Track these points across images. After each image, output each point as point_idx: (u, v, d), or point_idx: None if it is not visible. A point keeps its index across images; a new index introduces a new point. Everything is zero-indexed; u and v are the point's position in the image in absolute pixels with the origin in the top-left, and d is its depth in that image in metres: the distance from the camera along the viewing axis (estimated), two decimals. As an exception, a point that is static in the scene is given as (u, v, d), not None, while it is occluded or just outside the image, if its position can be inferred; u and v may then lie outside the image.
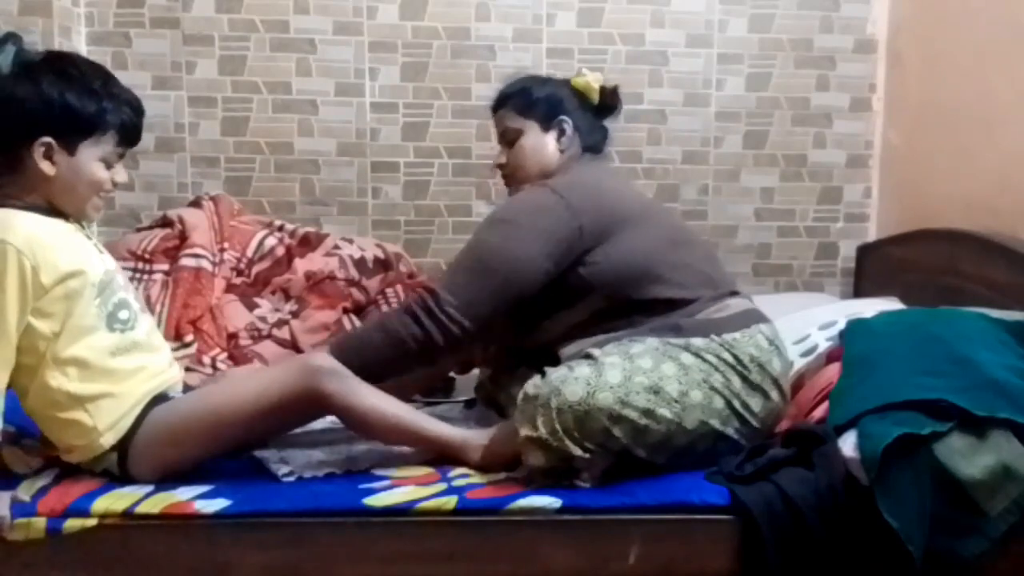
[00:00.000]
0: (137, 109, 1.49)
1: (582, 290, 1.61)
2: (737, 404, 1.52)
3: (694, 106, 2.66)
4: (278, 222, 2.40)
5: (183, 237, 2.20)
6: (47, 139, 1.40)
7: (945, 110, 2.36)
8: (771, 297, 2.36)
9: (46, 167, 1.40)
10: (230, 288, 2.20)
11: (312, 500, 1.41)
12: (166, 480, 1.45)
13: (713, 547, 1.43)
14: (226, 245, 2.24)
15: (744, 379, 1.53)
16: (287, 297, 2.23)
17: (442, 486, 1.46)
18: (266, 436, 1.61)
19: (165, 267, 2.16)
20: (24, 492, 1.39)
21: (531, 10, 2.58)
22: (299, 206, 2.58)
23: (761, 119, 2.68)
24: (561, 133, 1.76)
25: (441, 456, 1.56)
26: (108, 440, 1.43)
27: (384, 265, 2.33)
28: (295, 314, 2.16)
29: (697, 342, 1.53)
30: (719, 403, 1.50)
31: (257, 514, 1.39)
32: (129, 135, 1.48)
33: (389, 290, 2.23)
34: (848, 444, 1.45)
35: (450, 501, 1.41)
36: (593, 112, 1.81)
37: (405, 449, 1.62)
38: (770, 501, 1.41)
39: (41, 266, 1.37)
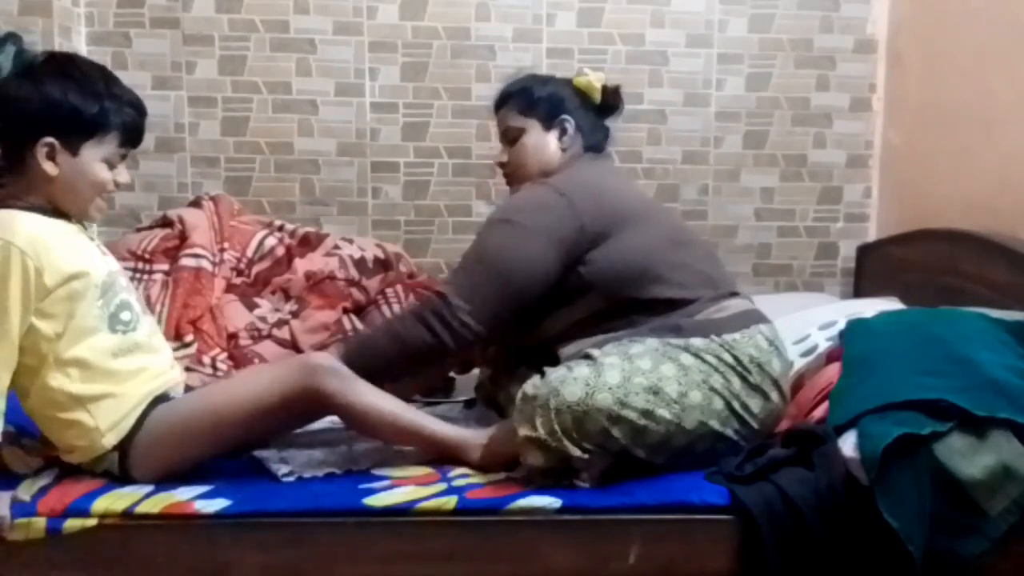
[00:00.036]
0: (139, 110, 1.49)
1: (582, 289, 1.61)
2: (736, 405, 1.52)
3: (694, 106, 2.66)
4: (278, 222, 2.40)
5: (183, 237, 2.20)
6: (50, 140, 1.40)
7: (945, 110, 2.36)
8: (771, 297, 2.36)
9: (49, 168, 1.41)
10: (230, 288, 2.20)
11: (312, 500, 1.41)
12: (167, 480, 1.45)
13: (713, 547, 1.43)
14: (226, 245, 2.24)
15: (744, 380, 1.53)
16: (287, 297, 2.23)
17: (442, 486, 1.46)
18: (267, 436, 1.61)
19: (165, 267, 2.16)
20: (24, 492, 1.39)
21: (531, 10, 2.58)
22: (299, 206, 2.58)
23: (761, 119, 2.68)
24: (563, 132, 1.76)
25: (440, 455, 1.56)
26: (109, 440, 1.44)
27: (384, 265, 2.33)
28: (295, 314, 2.16)
29: (697, 343, 1.53)
30: (718, 404, 1.50)
31: (257, 514, 1.39)
32: (131, 136, 1.48)
33: (389, 290, 2.23)
34: (848, 444, 1.45)
35: (450, 501, 1.41)
36: (595, 112, 1.81)
37: (405, 449, 1.62)
38: (770, 501, 1.41)
39: (45, 267, 1.37)
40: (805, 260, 2.75)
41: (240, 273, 2.24)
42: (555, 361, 1.57)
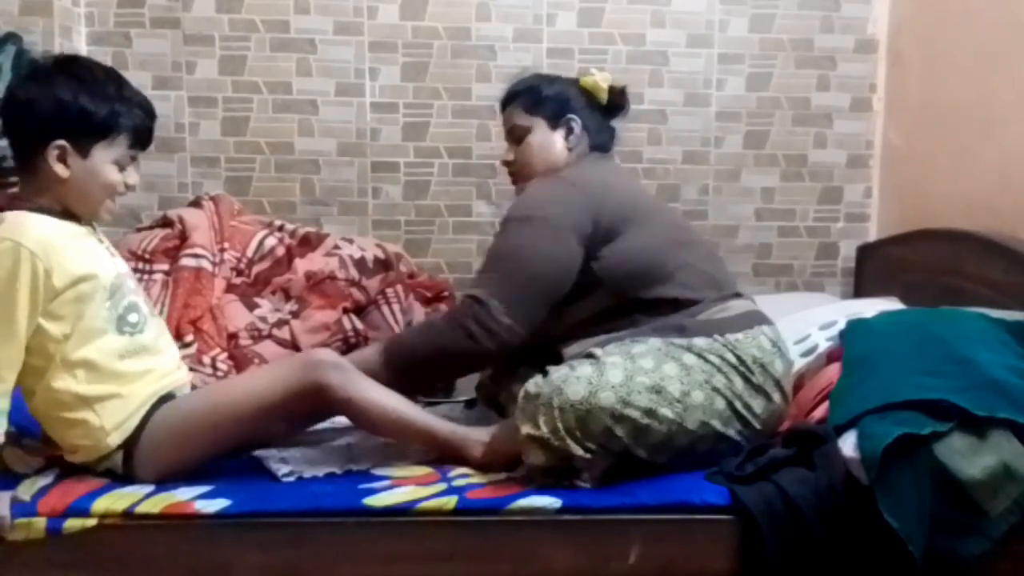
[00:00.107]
0: (149, 112, 1.50)
1: (591, 286, 1.61)
2: (739, 405, 1.52)
3: (694, 106, 2.66)
4: (278, 222, 2.40)
5: (183, 237, 2.20)
6: (61, 142, 1.41)
7: (945, 110, 2.36)
8: (771, 297, 2.36)
9: (60, 170, 1.42)
10: (230, 288, 2.20)
11: (312, 500, 1.42)
12: (170, 479, 1.45)
13: (713, 547, 1.43)
14: (226, 245, 2.24)
15: (746, 380, 1.53)
16: (287, 297, 2.23)
17: (442, 486, 1.46)
18: (271, 434, 1.61)
19: (165, 267, 2.15)
20: (24, 492, 1.39)
21: (531, 10, 2.58)
22: (299, 206, 2.58)
23: (761, 119, 2.68)
24: (569, 132, 1.77)
25: (442, 453, 1.56)
26: (114, 440, 1.44)
27: (384, 265, 2.33)
28: (295, 314, 2.16)
29: (700, 342, 1.53)
30: (721, 404, 1.50)
31: (257, 514, 1.39)
32: (141, 138, 1.49)
33: (389, 290, 2.23)
34: (848, 444, 1.45)
35: (450, 501, 1.41)
36: (601, 112, 1.81)
37: (406, 448, 1.62)
38: (770, 501, 1.41)
39: (54, 269, 1.38)
40: (805, 260, 2.75)
41: (240, 273, 2.24)
42: (557, 360, 1.57)
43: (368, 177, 2.60)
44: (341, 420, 1.69)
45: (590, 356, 1.51)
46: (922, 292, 2.14)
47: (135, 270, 2.13)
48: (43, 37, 2.25)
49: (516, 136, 1.79)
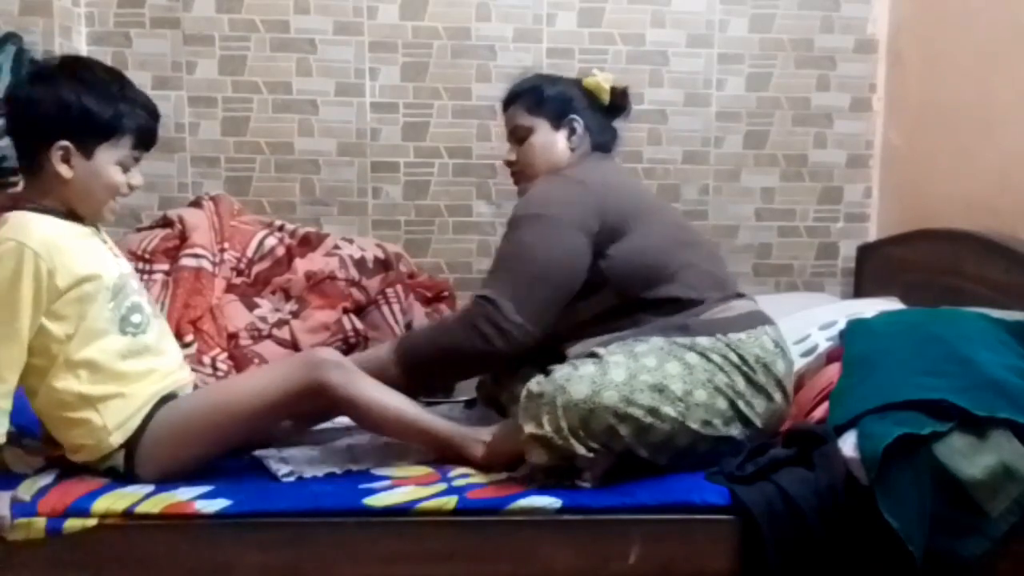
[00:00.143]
0: (153, 113, 1.51)
1: (597, 285, 1.61)
2: (741, 405, 1.52)
3: (694, 106, 2.66)
4: (278, 222, 2.40)
5: (183, 237, 2.20)
6: (64, 143, 1.41)
7: (945, 110, 2.36)
8: (771, 297, 2.36)
9: (63, 170, 1.42)
10: (230, 288, 2.20)
11: (312, 500, 1.42)
12: (171, 479, 1.45)
13: (713, 547, 1.43)
14: (226, 245, 2.24)
15: (748, 380, 1.53)
16: (287, 297, 2.23)
17: (442, 486, 1.46)
18: (272, 433, 1.62)
19: (165, 267, 2.15)
20: (24, 492, 1.39)
21: (531, 10, 2.58)
22: (299, 206, 2.58)
23: (761, 119, 2.68)
24: (571, 132, 1.77)
25: (442, 452, 1.56)
26: (116, 439, 1.45)
27: (384, 265, 2.33)
28: (295, 314, 2.16)
29: (703, 341, 1.53)
30: (723, 404, 1.50)
31: (257, 514, 1.39)
32: (145, 139, 1.50)
33: (389, 290, 2.23)
34: (848, 444, 1.45)
35: (450, 501, 1.41)
36: (603, 113, 1.81)
37: (406, 447, 1.62)
38: (770, 501, 1.41)
39: (57, 269, 1.39)
40: (805, 260, 2.75)
41: (240, 273, 2.24)
42: (559, 360, 1.57)
43: (368, 177, 2.60)
44: (341, 420, 1.69)
45: (592, 355, 1.51)
46: (922, 292, 2.14)
47: (135, 270, 2.13)
48: (43, 37, 2.25)
49: (518, 136, 1.79)
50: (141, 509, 1.38)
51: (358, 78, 2.56)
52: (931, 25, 2.45)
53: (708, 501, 1.43)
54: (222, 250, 2.22)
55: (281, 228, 2.37)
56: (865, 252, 2.66)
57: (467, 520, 1.41)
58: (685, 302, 1.60)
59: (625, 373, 1.45)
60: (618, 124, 1.86)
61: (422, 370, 1.63)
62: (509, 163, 1.82)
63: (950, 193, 2.31)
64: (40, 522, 1.36)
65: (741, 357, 1.53)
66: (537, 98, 1.78)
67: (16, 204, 1.45)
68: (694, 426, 1.47)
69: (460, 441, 1.55)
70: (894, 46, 2.64)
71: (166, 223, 2.26)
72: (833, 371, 1.71)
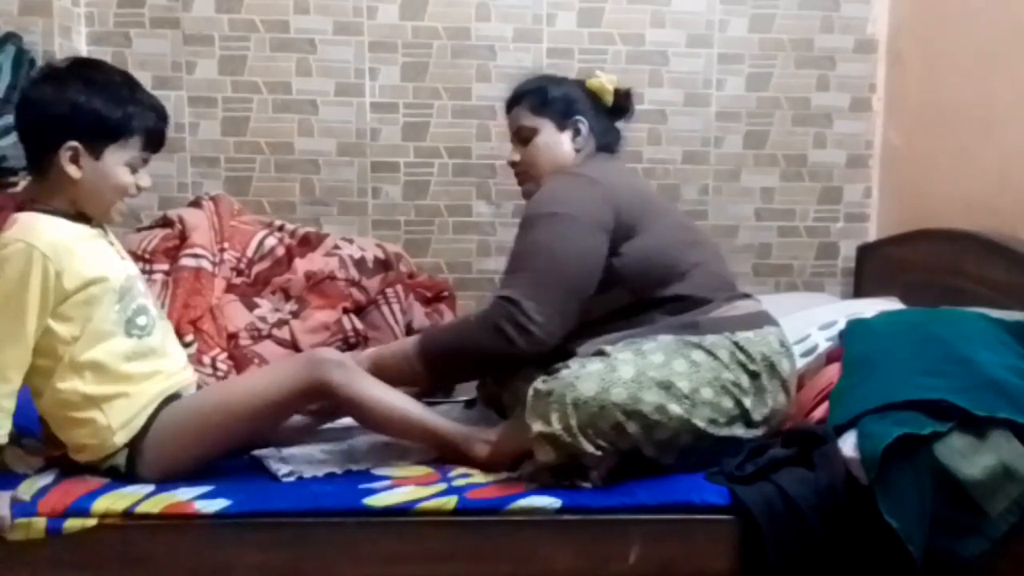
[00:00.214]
0: (162, 115, 1.52)
1: (610, 283, 1.61)
2: (746, 403, 1.52)
3: (694, 106, 2.66)
4: (278, 222, 2.40)
5: (183, 237, 2.20)
6: (74, 143, 1.42)
7: (945, 110, 2.36)
8: (771, 297, 2.35)
9: (72, 171, 1.42)
10: (230, 288, 2.19)
11: (312, 500, 1.42)
12: (173, 478, 1.45)
13: (713, 547, 1.43)
14: (226, 245, 2.23)
15: (754, 379, 1.54)
16: (287, 297, 2.23)
17: (442, 486, 1.46)
18: (275, 433, 1.62)
19: (165, 267, 2.15)
20: (24, 492, 1.39)
21: (531, 10, 2.57)
22: (299, 206, 2.58)
23: (761, 119, 2.68)
24: (576, 132, 1.77)
25: (444, 451, 1.56)
26: (120, 439, 1.45)
27: (384, 265, 2.33)
28: (295, 314, 2.16)
29: (711, 339, 1.54)
30: (728, 403, 1.51)
31: (257, 514, 1.39)
32: (154, 140, 1.51)
33: (389, 290, 2.23)
34: (848, 444, 1.45)
35: (450, 501, 1.41)
36: (606, 114, 1.81)
37: (406, 447, 1.62)
38: (770, 501, 1.41)
39: (65, 271, 1.39)
40: (805, 260, 2.75)
41: (240, 273, 2.24)
42: (563, 358, 1.57)
43: (368, 177, 2.60)
44: (343, 421, 1.69)
45: (600, 353, 1.51)
46: (922, 292, 2.14)
47: (136, 270, 2.14)
48: (43, 37, 2.25)
49: (522, 137, 1.79)
50: (141, 509, 1.38)
51: (358, 78, 2.56)
52: (931, 25, 2.45)
53: (708, 501, 1.43)
54: (222, 250, 2.22)
55: (281, 228, 2.37)
56: (865, 252, 2.66)
57: (467, 520, 1.41)
58: (695, 301, 1.61)
59: (633, 370, 1.45)
60: (620, 125, 1.86)
61: (445, 368, 1.65)
62: (513, 164, 1.82)
63: (950, 193, 2.31)
64: (40, 522, 1.36)
65: (748, 355, 1.54)
66: (542, 99, 1.78)
67: (25, 205, 1.46)
68: (700, 424, 1.47)
69: (463, 441, 1.55)
70: (894, 46, 2.64)
71: (166, 223, 2.26)
72: (833, 371, 1.72)
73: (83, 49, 2.43)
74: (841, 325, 1.85)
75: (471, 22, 2.56)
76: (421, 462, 1.57)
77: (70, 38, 2.38)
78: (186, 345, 2.00)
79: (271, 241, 2.29)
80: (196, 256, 2.15)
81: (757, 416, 1.54)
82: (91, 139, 1.42)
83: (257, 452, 1.59)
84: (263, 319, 2.14)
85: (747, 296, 1.69)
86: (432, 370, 1.63)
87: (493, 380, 1.84)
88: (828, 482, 1.42)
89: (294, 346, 2.09)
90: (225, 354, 2.05)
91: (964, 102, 2.26)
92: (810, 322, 1.96)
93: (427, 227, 2.62)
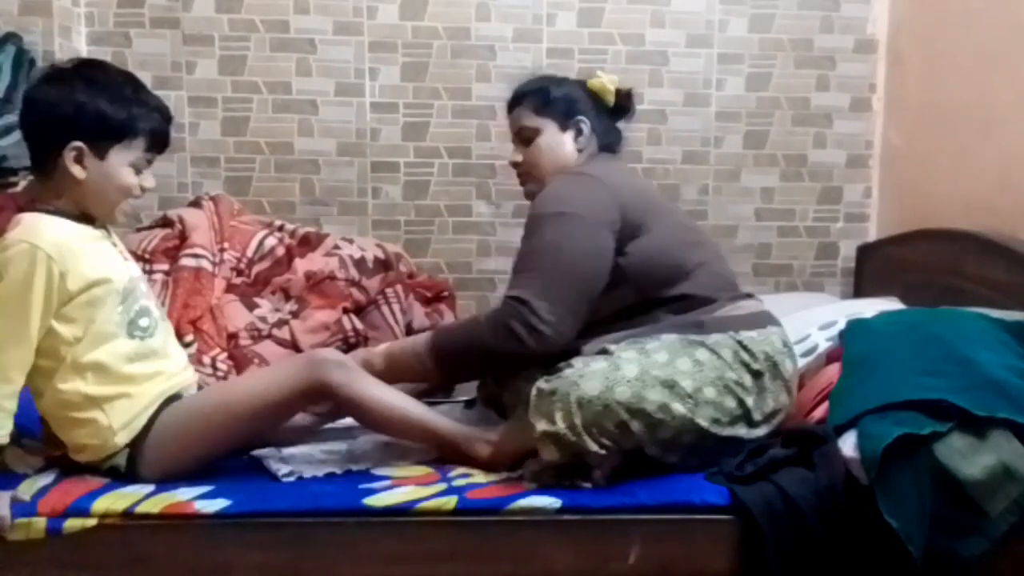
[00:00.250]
0: (166, 116, 1.52)
1: (616, 282, 1.61)
2: (748, 402, 1.52)
3: (694, 106, 2.66)
4: (278, 222, 2.40)
5: (183, 237, 2.20)
6: (78, 144, 1.42)
7: (945, 110, 2.36)
8: (771, 297, 2.34)
9: (77, 171, 1.43)
10: (230, 288, 2.19)
11: (312, 500, 1.42)
12: (173, 478, 1.45)
13: (713, 547, 1.43)
14: (226, 245, 2.23)
15: (756, 378, 1.54)
16: (287, 297, 2.23)
17: (442, 486, 1.46)
18: (276, 433, 1.62)
19: (165, 267, 2.15)
20: (24, 492, 1.39)
21: (531, 10, 2.57)
22: (299, 206, 2.58)
23: (761, 119, 2.68)
24: (578, 133, 1.77)
25: (445, 451, 1.56)
26: (122, 439, 1.45)
27: (384, 265, 2.33)
28: (295, 314, 2.16)
29: (715, 337, 1.54)
30: (731, 403, 1.51)
31: (257, 514, 1.39)
32: (158, 141, 1.51)
33: (389, 290, 2.23)
34: (848, 444, 1.45)
35: (450, 501, 1.41)
36: (607, 114, 1.81)
37: (406, 447, 1.62)
38: (770, 501, 1.41)
39: (69, 272, 1.40)
40: (805, 260, 2.75)
41: (240, 273, 2.24)
42: (566, 357, 1.57)
43: (368, 177, 2.60)
44: (344, 421, 1.69)
45: (603, 352, 1.51)
46: (922, 292, 2.14)
47: (136, 271, 2.13)
48: (43, 37, 2.25)
49: (524, 137, 1.79)
50: (141, 509, 1.38)
51: (358, 78, 2.56)
52: (931, 25, 2.45)
53: (708, 501, 1.43)
54: (222, 250, 2.22)
55: (281, 228, 2.37)
56: (865, 252, 2.66)
57: (467, 520, 1.41)
58: (700, 300, 1.61)
59: (637, 369, 1.46)
60: (620, 125, 1.86)
61: (455, 366, 1.66)
62: (515, 164, 1.81)
63: (950, 193, 2.31)
64: (40, 522, 1.36)
65: (752, 354, 1.54)
66: (544, 99, 1.78)
67: (28, 205, 1.46)
68: (703, 424, 1.48)
69: (464, 440, 1.55)
70: (894, 46, 2.64)
71: (166, 223, 2.26)
72: (833, 371, 1.72)
73: (83, 49, 2.43)
74: (841, 325, 1.85)
75: (471, 22, 2.56)
76: (421, 462, 1.57)
77: (70, 38, 2.38)
78: (186, 345, 2.00)
79: (271, 241, 2.29)
80: (196, 256, 2.15)
81: (758, 415, 1.54)
82: (96, 140, 1.43)
83: (257, 452, 1.59)
84: (263, 319, 2.13)
85: (750, 296, 1.69)
86: (443, 368, 1.64)
87: (493, 380, 1.84)
88: (828, 482, 1.42)
89: (294, 346, 2.09)
90: (225, 354, 2.04)
91: (964, 102, 2.26)
92: (810, 322, 1.96)
93: (427, 227, 2.62)
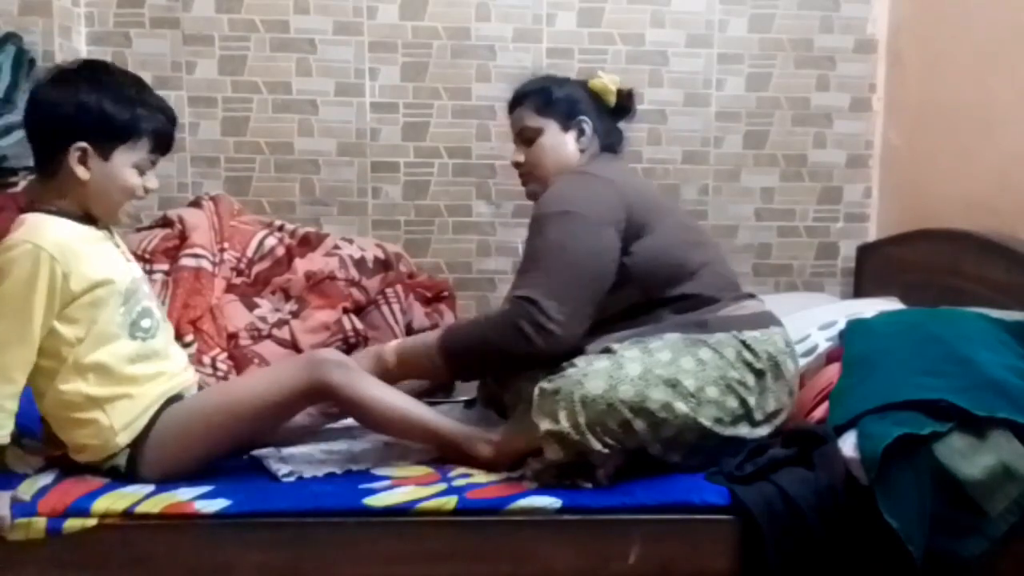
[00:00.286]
0: (170, 117, 1.53)
1: (621, 282, 1.61)
2: (751, 402, 1.53)
3: (694, 106, 2.66)
4: (278, 222, 2.39)
5: (183, 237, 2.20)
6: (82, 144, 1.42)
7: (945, 110, 2.36)
8: (771, 297, 2.33)
9: (81, 172, 1.43)
10: (230, 288, 2.19)
11: (312, 500, 1.42)
12: (174, 479, 1.45)
13: (713, 547, 1.43)
14: (226, 245, 2.23)
15: (759, 377, 1.54)
16: (287, 297, 2.22)
17: (442, 486, 1.46)
18: (276, 433, 1.62)
19: (165, 267, 2.15)
20: (24, 492, 1.39)
21: (531, 10, 2.57)
22: (299, 206, 2.58)
23: (761, 119, 2.68)
24: (580, 133, 1.77)
25: (446, 451, 1.56)
26: (123, 440, 1.46)
27: (384, 265, 2.33)
28: (295, 314, 2.16)
29: (718, 337, 1.54)
30: (733, 402, 1.51)
31: (257, 514, 1.39)
32: (162, 142, 1.51)
33: (389, 290, 2.23)
34: (848, 444, 1.45)
35: (450, 501, 1.41)
36: (609, 114, 1.81)
37: (406, 447, 1.62)
38: (770, 501, 1.41)
39: (72, 273, 1.40)
40: (805, 260, 2.75)
41: (240, 273, 2.24)
42: (568, 356, 1.56)
43: (368, 177, 2.60)
44: (345, 421, 1.69)
45: (606, 351, 1.51)
46: (922, 292, 2.14)
47: (136, 271, 2.13)
48: (43, 37, 2.25)
49: (526, 138, 1.79)
50: (141, 509, 1.38)
51: (358, 78, 2.56)
52: (931, 25, 2.45)
53: (708, 501, 1.43)
54: (222, 250, 2.22)
55: (281, 228, 2.37)
56: (865, 252, 2.66)
57: (467, 520, 1.41)
58: (703, 300, 1.61)
59: (640, 367, 1.46)
60: (621, 126, 1.86)
61: (464, 365, 1.66)
62: (517, 164, 1.81)
63: (950, 193, 2.31)
64: (40, 522, 1.36)
65: (754, 354, 1.54)
66: (546, 99, 1.78)
67: (31, 206, 1.46)
68: (706, 423, 1.48)
69: (465, 440, 1.55)
70: (894, 46, 2.64)
71: (166, 223, 2.26)
72: (833, 371, 1.72)
73: (83, 49, 2.43)
74: (841, 325, 1.85)
75: (471, 22, 2.56)
76: (421, 462, 1.57)
77: (70, 38, 2.38)
78: (186, 345, 2.00)
79: (271, 241, 2.29)
80: (196, 256, 2.15)
81: (760, 415, 1.54)
82: (100, 140, 1.43)
83: (257, 452, 1.59)
84: (263, 319, 2.13)
85: (752, 296, 1.70)
86: (451, 366, 1.64)
87: (494, 380, 1.85)
88: (828, 482, 1.42)
89: (294, 346, 2.09)
90: (225, 354, 2.04)
91: (964, 102, 2.26)
92: (810, 322, 1.96)
93: (427, 227, 2.62)
